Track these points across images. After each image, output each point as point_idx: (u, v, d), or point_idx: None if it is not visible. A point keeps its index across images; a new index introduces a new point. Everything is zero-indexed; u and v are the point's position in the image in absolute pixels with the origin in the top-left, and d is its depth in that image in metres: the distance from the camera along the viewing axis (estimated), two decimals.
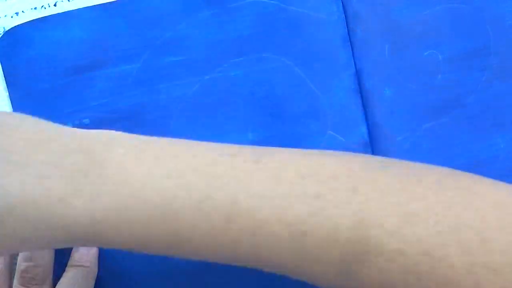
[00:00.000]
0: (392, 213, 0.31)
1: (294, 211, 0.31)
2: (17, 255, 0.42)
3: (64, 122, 0.43)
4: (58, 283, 0.42)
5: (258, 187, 0.32)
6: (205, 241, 0.32)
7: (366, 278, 0.31)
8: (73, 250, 0.43)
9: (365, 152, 0.43)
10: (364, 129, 0.44)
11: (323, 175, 0.32)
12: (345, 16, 0.43)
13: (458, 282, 0.30)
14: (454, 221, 0.31)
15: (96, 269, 0.43)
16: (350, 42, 0.43)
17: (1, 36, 0.43)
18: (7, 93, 0.43)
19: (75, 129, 0.34)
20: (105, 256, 0.44)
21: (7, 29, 0.43)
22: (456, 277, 0.30)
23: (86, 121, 0.43)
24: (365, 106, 0.44)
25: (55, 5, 0.43)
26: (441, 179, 0.33)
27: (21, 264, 0.41)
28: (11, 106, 0.43)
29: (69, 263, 0.43)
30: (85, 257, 0.43)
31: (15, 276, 0.41)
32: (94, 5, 0.43)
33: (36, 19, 0.43)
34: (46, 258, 0.42)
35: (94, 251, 0.43)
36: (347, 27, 0.43)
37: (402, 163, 0.35)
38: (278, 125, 0.43)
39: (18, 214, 0.30)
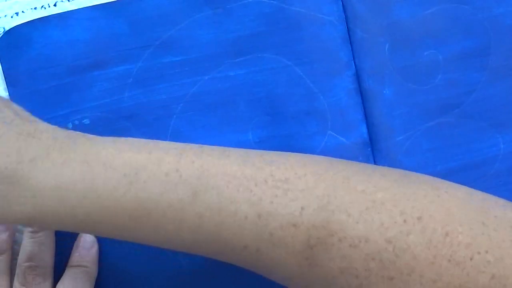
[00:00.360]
0: (358, 200, 0.32)
1: (259, 192, 0.32)
2: (17, 254, 0.42)
3: (64, 122, 0.43)
4: (58, 283, 0.42)
5: (225, 168, 0.32)
6: (169, 214, 0.32)
7: (328, 263, 0.31)
8: (73, 250, 0.43)
9: (365, 151, 0.43)
10: (364, 129, 0.44)
11: (290, 163, 0.33)
12: (345, 16, 0.43)
13: (420, 272, 0.31)
14: (419, 212, 0.31)
15: (96, 270, 0.43)
16: (350, 42, 0.43)
17: (1, 36, 0.43)
18: (7, 93, 0.43)
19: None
20: (105, 257, 0.44)
21: (7, 29, 0.43)
22: (419, 267, 0.31)
23: (86, 121, 0.43)
24: (365, 106, 0.44)
25: (55, 5, 0.43)
26: (405, 175, 0.34)
27: (22, 263, 0.41)
28: None
29: (69, 263, 0.43)
30: (85, 257, 0.43)
31: (15, 275, 0.41)
32: (94, 5, 0.43)
33: (36, 19, 0.43)
34: (47, 259, 0.42)
35: (94, 251, 0.43)
36: (347, 27, 0.43)
37: (364, 164, 0.35)
38: (278, 125, 0.43)
39: None
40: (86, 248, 0.43)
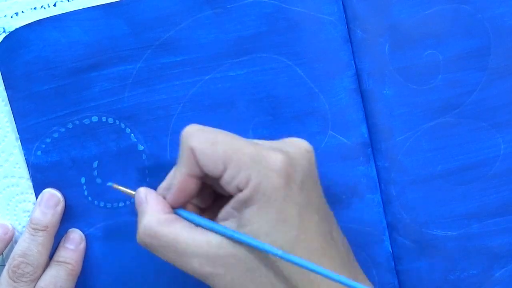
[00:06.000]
0: None
1: None
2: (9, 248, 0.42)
3: (64, 122, 0.43)
4: (40, 278, 0.42)
5: None
6: None
7: None
8: (60, 244, 0.43)
9: (365, 151, 0.44)
10: (364, 129, 0.44)
11: None
12: (345, 16, 0.43)
13: None
14: None
15: (79, 268, 0.43)
16: (350, 42, 0.43)
17: (2, 41, 0.43)
18: (7, 94, 0.43)
19: None
20: (105, 256, 0.44)
21: (6, 29, 0.43)
22: None
23: (87, 121, 0.43)
24: (365, 106, 0.44)
25: (54, 5, 0.43)
26: None
27: (14, 258, 0.41)
28: (10, 107, 0.43)
29: (54, 258, 0.43)
30: (70, 255, 0.43)
31: (5, 268, 0.41)
32: (94, 6, 0.43)
33: (36, 21, 0.42)
34: (41, 260, 0.42)
35: (81, 248, 0.43)
36: (347, 27, 0.43)
37: None
38: (279, 125, 0.43)
39: None
40: (74, 244, 0.43)
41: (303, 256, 0.34)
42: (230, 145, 0.35)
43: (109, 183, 0.41)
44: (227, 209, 0.36)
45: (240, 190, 0.35)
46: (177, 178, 0.37)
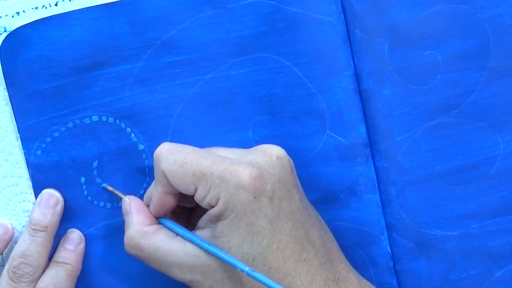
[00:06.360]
0: None
1: None
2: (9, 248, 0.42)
3: (65, 122, 0.43)
4: (40, 279, 0.42)
5: None
6: None
7: None
8: (60, 244, 0.43)
9: (364, 152, 0.44)
10: (363, 129, 0.44)
11: None
12: (344, 16, 0.43)
13: None
14: None
15: (79, 268, 0.43)
16: (350, 42, 0.43)
17: (4, 39, 0.43)
18: (7, 93, 0.43)
19: None
20: (104, 256, 0.44)
21: (8, 28, 0.43)
22: None
23: (87, 120, 0.43)
24: (364, 106, 0.44)
25: (56, 4, 0.43)
26: None
27: (14, 258, 0.41)
28: (11, 106, 0.43)
29: (53, 258, 0.43)
30: (70, 255, 0.43)
31: (5, 269, 0.41)
32: (95, 5, 0.43)
33: (36, 20, 0.43)
34: (40, 261, 0.42)
35: (80, 249, 0.43)
36: (346, 28, 0.43)
37: None
38: (278, 124, 0.43)
39: None
40: (73, 245, 0.43)
41: (277, 263, 0.37)
42: (199, 166, 0.37)
43: (104, 184, 0.43)
44: (203, 220, 0.38)
45: (212, 207, 0.37)
46: (155, 195, 0.39)
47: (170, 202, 0.39)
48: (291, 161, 0.39)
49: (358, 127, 0.44)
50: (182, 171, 0.37)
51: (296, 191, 0.39)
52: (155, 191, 0.39)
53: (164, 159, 0.38)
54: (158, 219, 0.40)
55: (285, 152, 0.39)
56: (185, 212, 0.42)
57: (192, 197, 0.38)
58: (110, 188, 0.43)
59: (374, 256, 0.44)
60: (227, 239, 0.37)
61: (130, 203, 0.41)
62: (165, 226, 0.40)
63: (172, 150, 0.38)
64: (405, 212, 0.44)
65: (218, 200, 0.36)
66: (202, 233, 0.38)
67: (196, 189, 0.37)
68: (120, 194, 0.42)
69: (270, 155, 0.38)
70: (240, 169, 0.36)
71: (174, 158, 0.37)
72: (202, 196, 0.37)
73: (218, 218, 0.37)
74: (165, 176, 0.38)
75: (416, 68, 0.43)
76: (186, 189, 0.37)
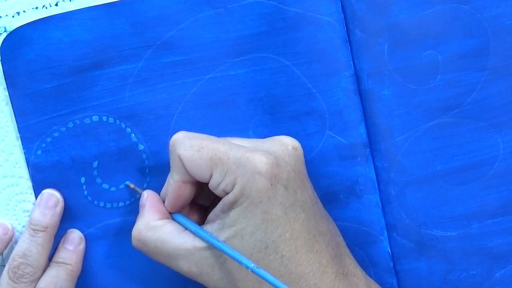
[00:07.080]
0: None
1: None
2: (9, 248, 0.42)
3: (65, 122, 0.43)
4: (40, 279, 0.42)
5: None
6: None
7: None
8: (60, 245, 0.43)
9: (364, 152, 0.44)
10: (363, 129, 0.44)
11: None
12: (344, 16, 0.43)
13: None
14: None
15: (79, 268, 0.43)
16: (349, 42, 0.43)
17: (4, 39, 0.43)
18: (8, 93, 0.43)
19: None
20: (104, 256, 0.44)
21: (8, 28, 0.43)
22: None
23: (87, 120, 0.43)
24: (364, 106, 0.44)
25: (56, 4, 0.43)
26: None
27: (14, 258, 0.41)
28: (11, 106, 0.43)
29: (53, 258, 0.43)
30: (70, 255, 0.43)
31: (5, 269, 0.41)
32: (95, 5, 0.43)
33: (37, 20, 0.43)
34: (41, 261, 0.42)
35: (80, 249, 0.43)
36: (346, 28, 0.43)
37: None
38: (278, 124, 0.44)
39: None
40: (73, 245, 0.43)
41: (290, 253, 0.36)
42: (215, 150, 0.37)
43: (127, 182, 0.43)
44: (215, 211, 0.38)
45: (226, 193, 0.36)
46: (171, 185, 0.39)
47: (186, 192, 0.39)
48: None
49: (358, 127, 0.44)
50: (199, 156, 0.37)
51: (308, 183, 0.39)
52: (171, 181, 0.39)
53: (181, 144, 0.37)
54: (171, 214, 0.40)
55: (299, 144, 0.39)
56: (201, 213, 0.42)
57: (207, 192, 0.38)
58: (132, 186, 0.43)
59: (374, 256, 0.44)
60: (241, 226, 0.36)
61: (147, 197, 0.41)
62: (176, 222, 0.39)
63: (189, 136, 0.38)
64: (405, 212, 0.44)
65: (233, 186, 0.36)
66: (212, 226, 0.38)
67: (211, 175, 0.37)
68: (140, 191, 0.42)
69: (286, 144, 0.38)
70: (257, 156, 0.36)
71: (191, 143, 0.37)
72: (217, 182, 0.37)
73: (231, 205, 0.36)
74: (182, 162, 0.37)
75: (416, 68, 0.43)
76: (202, 174, 0.37)
